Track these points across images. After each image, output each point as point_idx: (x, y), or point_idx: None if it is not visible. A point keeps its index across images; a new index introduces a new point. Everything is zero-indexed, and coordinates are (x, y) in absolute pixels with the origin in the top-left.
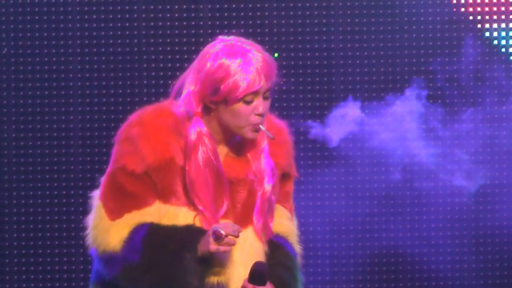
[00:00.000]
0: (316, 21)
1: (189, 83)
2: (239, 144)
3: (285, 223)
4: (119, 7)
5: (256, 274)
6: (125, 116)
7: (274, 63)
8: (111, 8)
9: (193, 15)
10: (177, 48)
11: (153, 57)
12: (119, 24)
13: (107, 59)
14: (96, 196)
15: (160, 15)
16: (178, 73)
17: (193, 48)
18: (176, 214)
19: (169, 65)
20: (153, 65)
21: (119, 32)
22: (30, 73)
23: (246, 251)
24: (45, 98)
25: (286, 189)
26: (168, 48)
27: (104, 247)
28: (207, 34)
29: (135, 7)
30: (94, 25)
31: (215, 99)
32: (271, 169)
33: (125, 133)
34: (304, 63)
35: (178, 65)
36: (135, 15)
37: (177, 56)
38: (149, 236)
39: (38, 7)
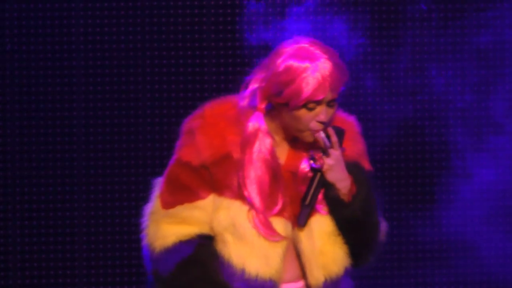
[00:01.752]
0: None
1: (257, 78)
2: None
3: None
4: (122, 3)
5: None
6: (128, 113)
7: (345, 71)
8: (114, 4)
9: (196, 11)
10: (180, 44)
11: (156, 53)
12: (122, 20)
13: (111, 55)
14: (157, 184)
15: (163, 11)
16: (181, 70)
17: (196, 44)
18: (229, 207)
19: (173, 61)
20: (156, 61)
21: (123, 28)
22: (33, 69)
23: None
24: (48, 95)
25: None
26: (172, 45)
27: (151, 242)
28: (210, 35)
29: (138, 3)
30: (98, 21)
31: (278, 100)
32: None
33: (188, 125)
34: None
35: (181, 61)
36: (139, 12)
37: (180, 53)
38: (184, 265)
39: (41, 2)
